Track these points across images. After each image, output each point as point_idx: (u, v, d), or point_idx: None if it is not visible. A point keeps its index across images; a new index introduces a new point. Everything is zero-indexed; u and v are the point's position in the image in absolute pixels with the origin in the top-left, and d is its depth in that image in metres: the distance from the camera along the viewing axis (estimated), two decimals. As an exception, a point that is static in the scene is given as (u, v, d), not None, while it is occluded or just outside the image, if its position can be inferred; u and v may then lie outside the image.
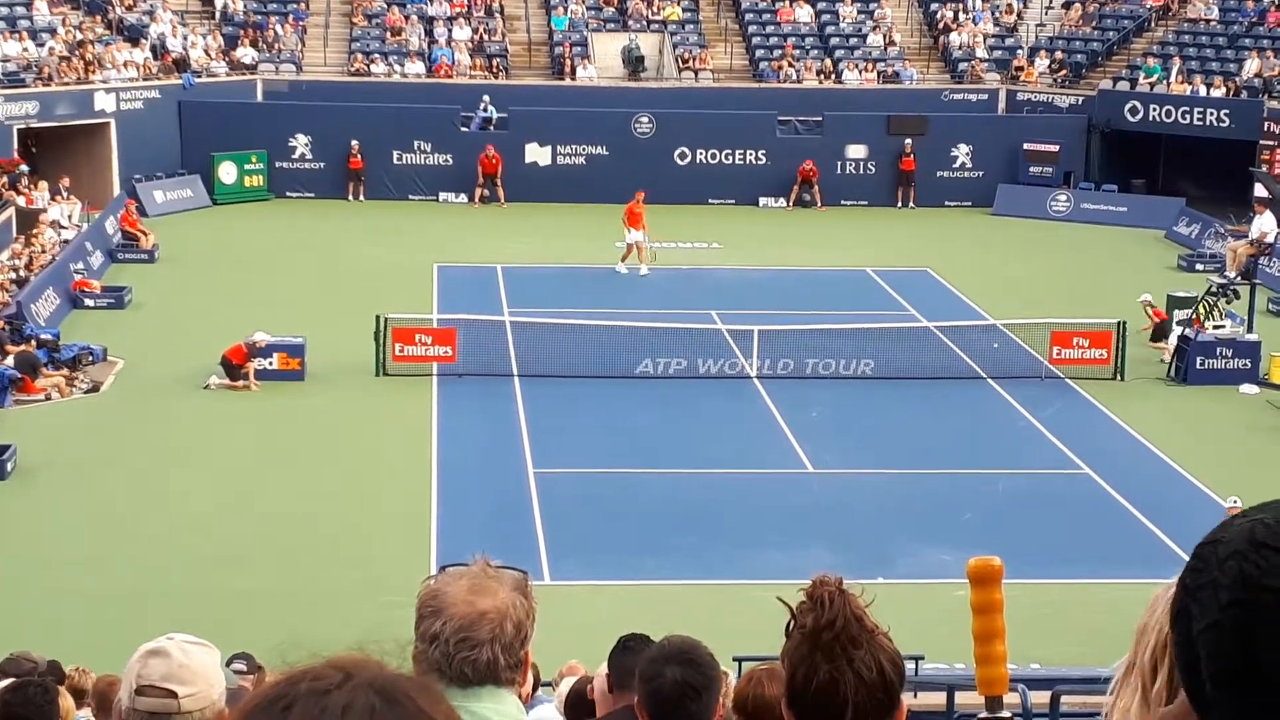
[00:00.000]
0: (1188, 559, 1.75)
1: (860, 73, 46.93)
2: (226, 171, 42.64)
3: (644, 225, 36.13)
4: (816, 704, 2.98)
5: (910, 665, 12.71)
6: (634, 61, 46.49)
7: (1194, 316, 29.60)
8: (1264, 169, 40.86)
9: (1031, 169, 44.60)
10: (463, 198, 43.45)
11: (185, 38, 44.77)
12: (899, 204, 44.44)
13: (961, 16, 48.80)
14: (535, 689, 9.95)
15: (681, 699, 4.52)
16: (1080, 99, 45.88)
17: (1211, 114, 43.61)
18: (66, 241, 35.39)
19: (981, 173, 44.73)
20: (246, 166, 42.96)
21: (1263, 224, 32.59)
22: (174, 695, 3.64)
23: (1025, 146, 44.65)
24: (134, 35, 43.77)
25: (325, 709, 1.67)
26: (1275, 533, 1.66)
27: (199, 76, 43.82)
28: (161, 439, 24.86)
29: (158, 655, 3.70)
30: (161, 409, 26.22)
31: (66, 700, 6.62)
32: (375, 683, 1.71)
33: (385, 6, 47.59)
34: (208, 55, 44.84)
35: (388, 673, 1.75)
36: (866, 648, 2.99)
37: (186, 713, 3.65)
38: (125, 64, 42.40)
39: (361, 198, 43.23)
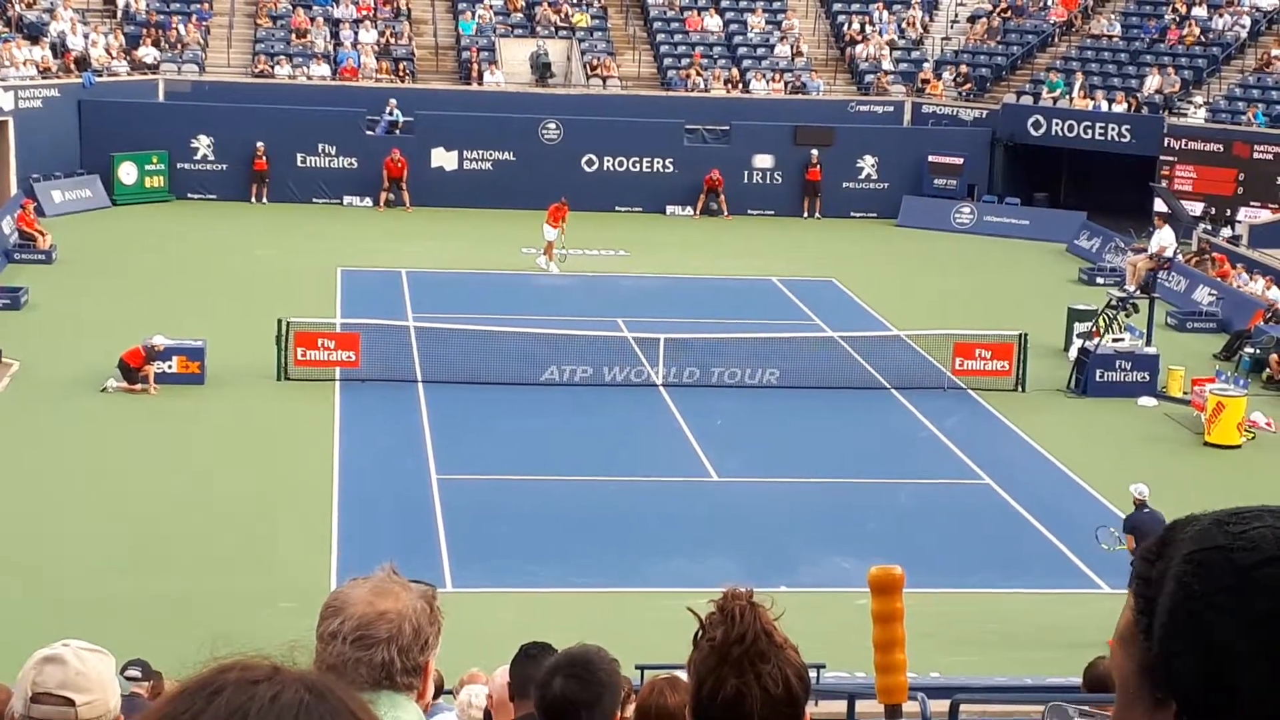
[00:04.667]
0: (1184, 565, 1.68)
1: (767, 83, 47.15)
2: (127, 172, 42.13)
3: (561, 227, 36.50)
4: (722, 716, 2.98)
5: (812, 674, 12.74)
6: (542, 67, 46.43)
7: (1094, 329, 29.97)
8: (1163, 184, 41.45)
9: (936, 181, 45.01)
10: (367, 201, 43.22)
11: (86, 36, 44.21)
12: (805, 214, 44.67)
13: (868, 29, 49.15)
14: (437, 697, 9.90)
15: (566, 712, 4.51)
16: (984, 113, 46.34)
17: (1113, 129, 44.21)
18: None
19: (887, 184, 45.06)
20: (147, 167, 42.47)
21: (1162, 238, 32.94)
22: (71, 703, 3.59)
23: (930, 159, 45.06)
24: (34, 33, 43.16)
25: (253, 697, 1.69)
26: None
27: (100, 75, 43.27)
28: (57, 442, 24.48)
29: (54, 662, 3.64)
30: (58, 412, 25.83)
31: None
32: (305, 678, 1.74)
33: (290, 8, 47.23)
34: (109, 54, 44.30)
35: (316, 672, 1.79)
36: (774, 662, 2.99)
37: (82, 721, 3.60)
38: (24, 62, 41.79)
39: (264, 200, 42.88)
